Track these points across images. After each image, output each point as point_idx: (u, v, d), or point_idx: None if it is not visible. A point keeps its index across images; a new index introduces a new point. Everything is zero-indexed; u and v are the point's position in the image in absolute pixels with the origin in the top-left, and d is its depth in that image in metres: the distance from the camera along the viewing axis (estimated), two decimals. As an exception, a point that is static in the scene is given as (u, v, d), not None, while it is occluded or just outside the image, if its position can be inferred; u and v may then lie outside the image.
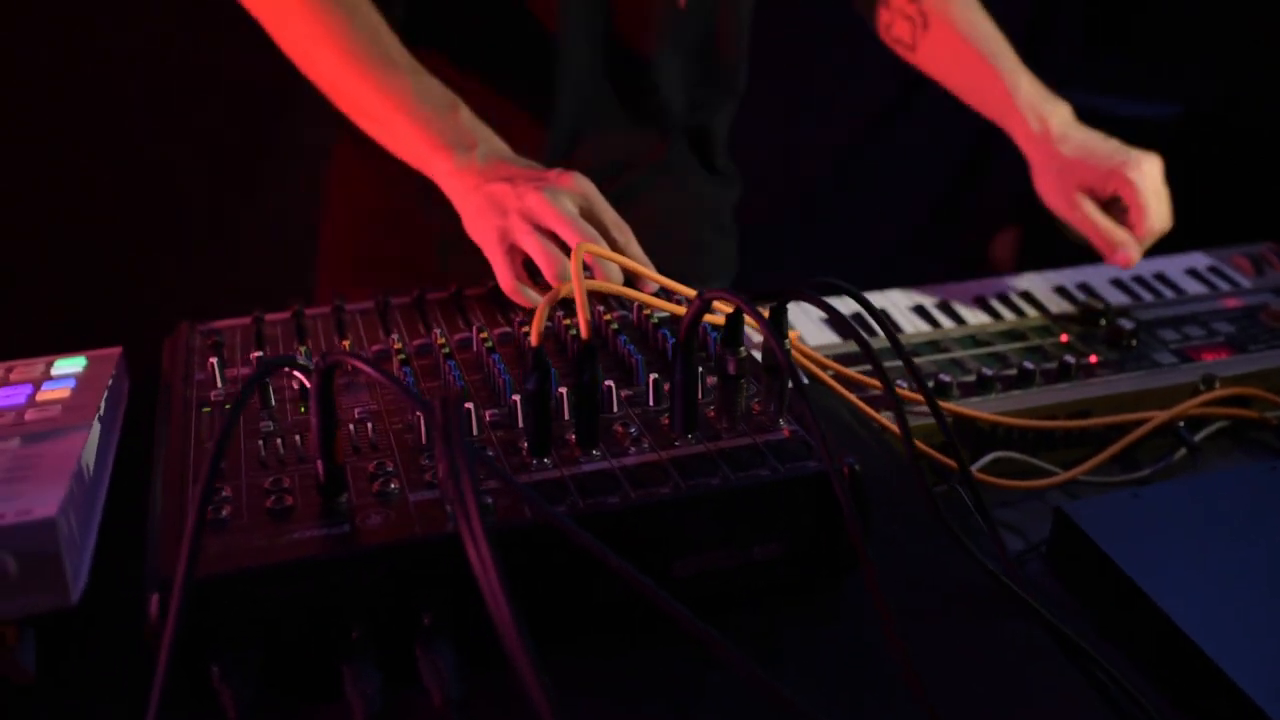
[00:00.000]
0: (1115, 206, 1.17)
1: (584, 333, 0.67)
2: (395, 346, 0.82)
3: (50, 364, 0.85)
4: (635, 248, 0.93)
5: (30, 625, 0.64)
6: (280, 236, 2.13)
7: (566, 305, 0.89)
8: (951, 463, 0.90)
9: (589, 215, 0.93)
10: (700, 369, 0.72)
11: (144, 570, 0.61)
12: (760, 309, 0.65)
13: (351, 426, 0.72)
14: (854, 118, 2.61)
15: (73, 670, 0.66)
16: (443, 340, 0.82)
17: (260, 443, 0.71)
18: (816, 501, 0.68)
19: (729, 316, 0.69)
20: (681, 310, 0.84)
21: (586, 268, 0.89)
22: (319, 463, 0.64)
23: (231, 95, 2.10)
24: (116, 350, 0.89)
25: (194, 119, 2.13)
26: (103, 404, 0.78)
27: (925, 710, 0.58)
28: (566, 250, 0.90)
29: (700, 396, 0.73)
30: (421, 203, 1.11)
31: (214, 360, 0.80)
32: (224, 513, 0.64)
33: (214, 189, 2.19)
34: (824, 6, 1.67)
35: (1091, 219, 1.16)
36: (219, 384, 0.79)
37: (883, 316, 0.71)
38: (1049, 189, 1.21)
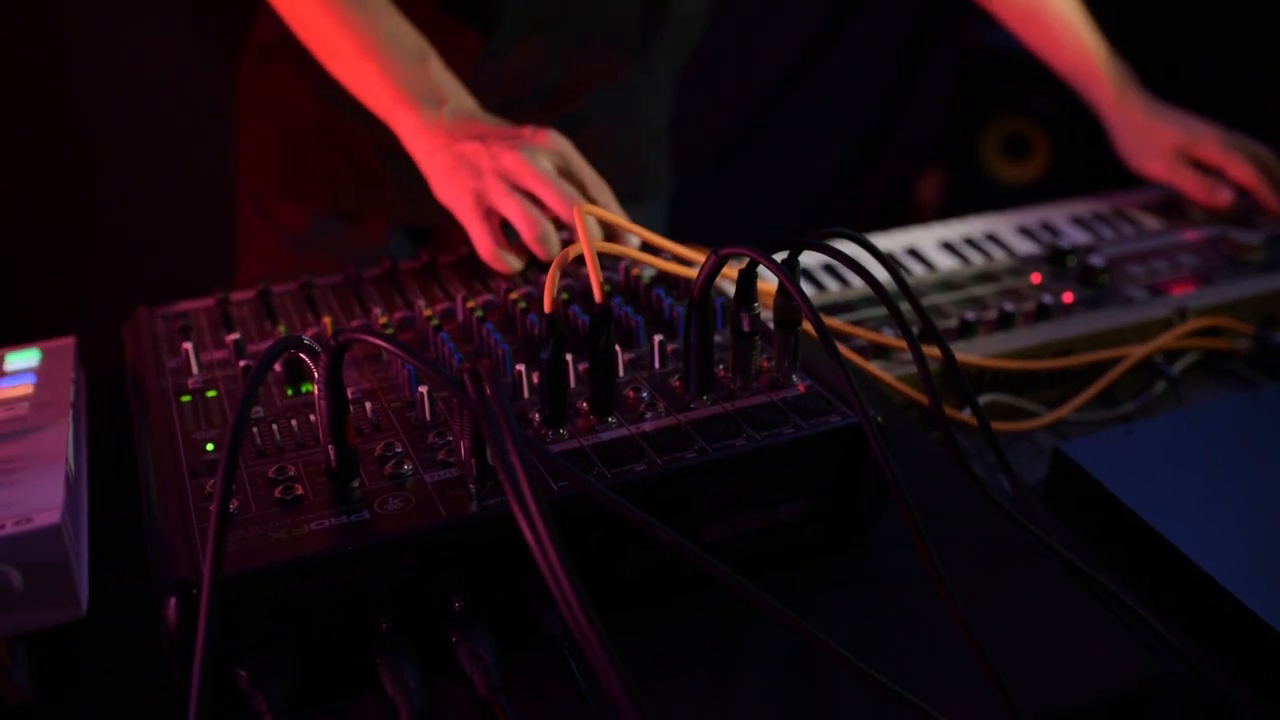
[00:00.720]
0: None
1: (598, 295, 0.64)
2: (380, 321, 0.78)
3: (1, 359, 0.80)
4: (615, 207, 0.91)
5: (22, 641, 0.60)
6: (193, 217, 2.06)
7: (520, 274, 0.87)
8: (958, 414, 0.90)
9: (566, 174, 0.90)
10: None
11: (152, 574, 0.57)
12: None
13: (350, 408, 0.68)
14: (770, 66, 2.60)
15: (76, 685, 0.62)
16: (429, 312, 0.79)
17: (254, 430, 0.67)
18: (842, 457, 0.67)
19: (742, 272, 0.67)
20: (685, 271, 0.81)
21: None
22: (330, 448, 0.61)
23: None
24: (70, 340, 0.84)
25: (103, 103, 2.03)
26: (71, 393, 0.73)
27: (978, 657, 0.57)
28: (545, 212, 0.87)
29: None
30: (352, 111, 1.04)
31: (188, 346, 0.75)
32: (231, 506, 0.60)
33: (119, 175, 2.09)
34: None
35: (1193, 177, 1.23)
36: (195, 370, 0.75)
37: (893, 264, 0.70)
38: (1136, 151, 1.28)
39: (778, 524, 0.67)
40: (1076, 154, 2.36)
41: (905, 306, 1.00)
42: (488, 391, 0.51)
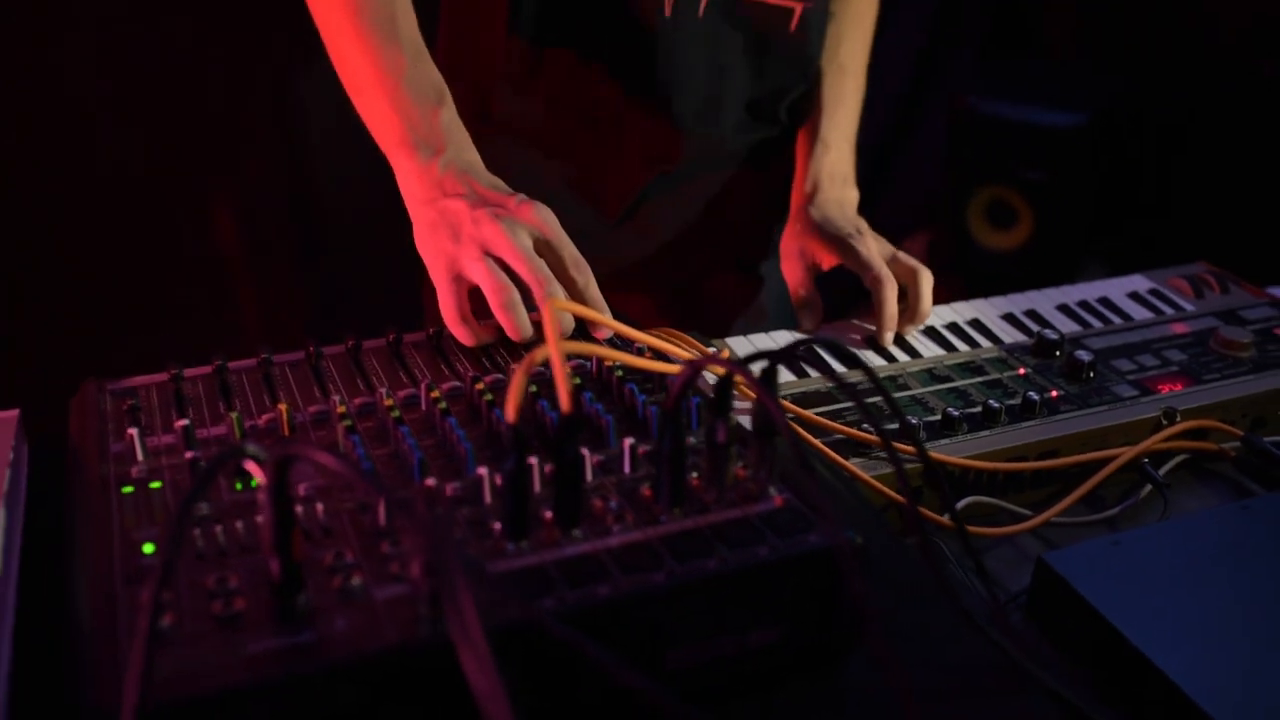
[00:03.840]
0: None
1: (565, 405, 0.60)
2: (338, 410, 0.74)
3: (-62, 433, 0.76)
4: (594, 289, 0.89)
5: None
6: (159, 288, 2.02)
7: (491, 360, 0.83)
8: (929, 512, 0.87)
9: (545, 250, 0.88)
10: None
11: (72, 699, 0.53)
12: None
13: (300, 508, 0.65)
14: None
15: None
16: (390, 401, 0.75)
17: (197, 531, 0.63)
18: (819, 579, 0.63)
19: (719, 382, 0.64)
20: (659, 368, 0.78)
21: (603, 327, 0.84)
22: (273, 562, 0.57)
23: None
24: (13, 413, 0.80)
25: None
26: (6, 480, 0.69)
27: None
28: (519, 285, 0.85)
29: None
30: None
31: (134, 431, 0.71)
32: (165, 622, 0.56)
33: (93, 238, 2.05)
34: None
35: (797, 276, 1.19)
36: (140, 457, 0.71)
37: (872, 372, 0.67)
38: (784, 242, 1.24)
39: (748, 649, 0.63)
40: (1059, 225, 2.37)
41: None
42: (427, 520, 0.48)
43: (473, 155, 0.98)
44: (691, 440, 0.71)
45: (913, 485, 0.88)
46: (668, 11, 1.19)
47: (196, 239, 2.08)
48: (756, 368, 0.63)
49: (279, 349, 0.84)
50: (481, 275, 0.86)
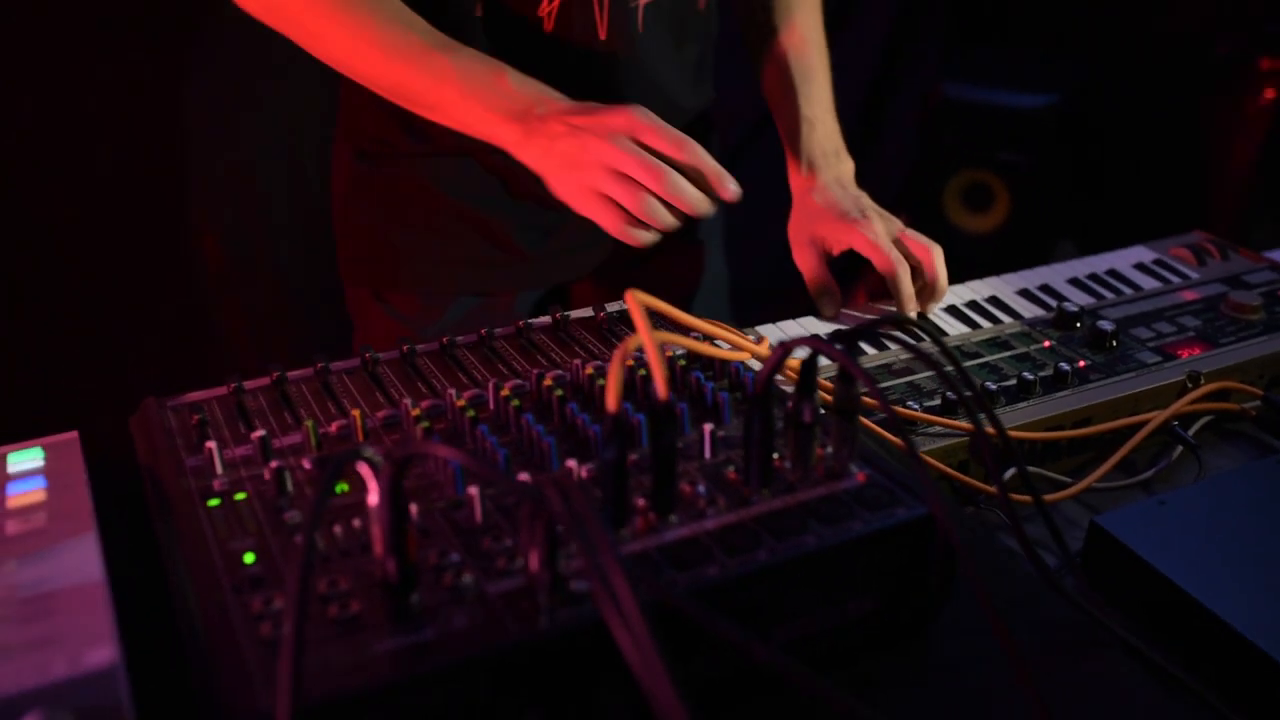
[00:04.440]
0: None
1: (662, 393, 0.61)
2: (411, 413, 0.75)
3: (2, 459, 0.75)
4: (705, 158, 0.98)
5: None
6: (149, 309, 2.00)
7: (537, 351, 0.84)
8: (977, 481, 0.89)
9: (645, 145, 0.97)
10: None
11: (204, 701, 0.54)
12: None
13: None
14: (732, 120, 2.61)
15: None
16: (461, 402, 0.76)
17: (298, 538, 0.64)
18: (910, 550, 0.65)
19: (804, 363, 0.65)
20: (724, 354, 0.79)
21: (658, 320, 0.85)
22: (389, 563, 0.57)
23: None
24: (73, 435, 0.79)
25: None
26: (91, 503, 0.69)
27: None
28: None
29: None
30: (476, 198, 1.22)
31: (212, 445, 0.71)
32: (286, 629, 0.56)
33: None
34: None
35: (810, 264, 1.20)
36: (219, 470, 0.71)
37: (940, 340, 0.68)
38: (792, 231, 1.25)
39: (846, 620, 0.65)
40: (1034, 206, 2.41)
41: (922, 374, 0.99)
42: (578, 505, 0.49)
43: (552, 93, 1.04)
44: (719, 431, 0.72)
45: (959, 459, 0.90)
46: (602, 35, 1.19)
47: (178, 259, 2.06)
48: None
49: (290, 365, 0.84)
50: (618, 189, 0.97)
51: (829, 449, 0.69)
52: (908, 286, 1.11)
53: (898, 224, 1.17)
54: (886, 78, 2.51)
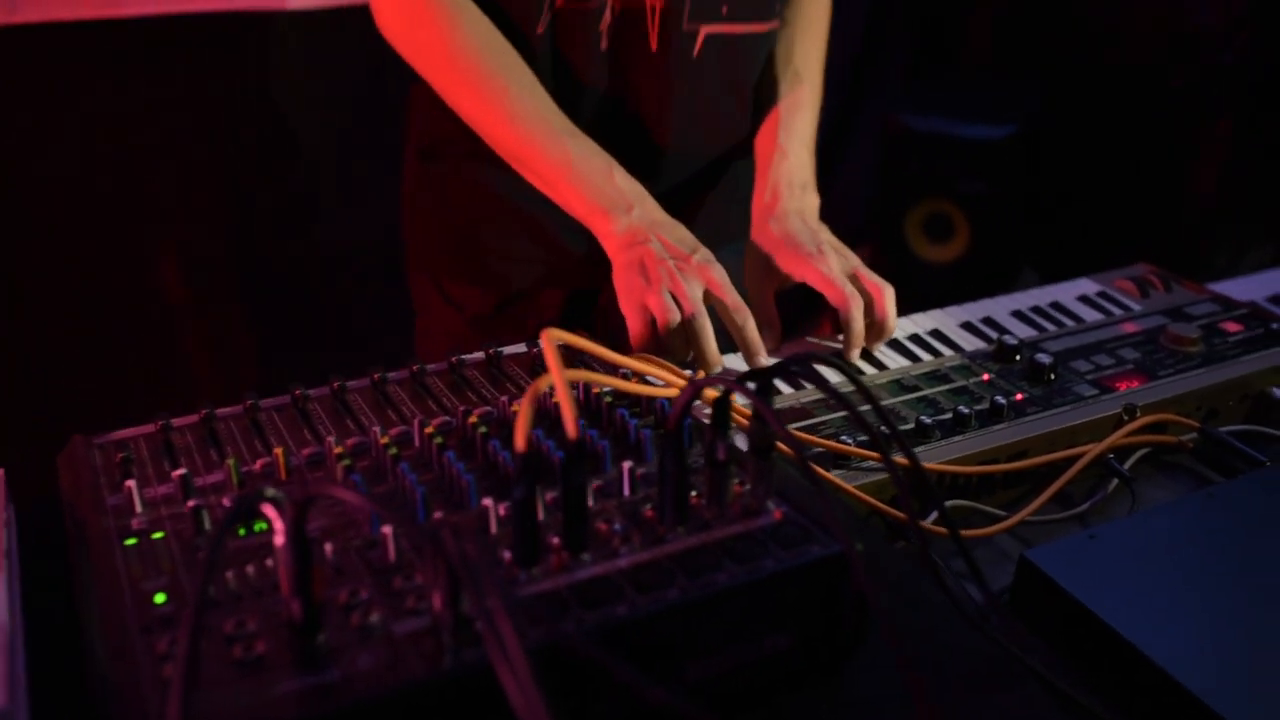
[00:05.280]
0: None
1: (571, 432, 0.62)
2: (334, 451, 0.75)
3: (-76, 497, 0.75)
4: (750, 331, 1.08)
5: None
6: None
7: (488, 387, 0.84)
8: (902, 516, 0.89)
9: (711, 299, 1.08)
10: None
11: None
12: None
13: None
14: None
15: None
16: (385, 439, 0.76)
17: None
18: (824, 586, 0.65)
19: (717, 401, 0.65)
20: (644, 390, 0.80)
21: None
22: (294, 603, 0.57)
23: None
24: (-1, 472, 0.79)
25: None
26: (4, 539, 0.69)
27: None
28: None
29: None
30: (528, 198, 1.25)
31: (131, 483, 0.71)
32: (173, 669, 0.56)
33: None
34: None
35: (758, 294, 1.23)
36: (138, 509, 0.71)
37: (865, 386, 0.69)
38: (747, 257, 1.27)
39: (761, 657, 0.65)
40: (995, 235, 2.43)
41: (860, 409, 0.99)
42: (467, 553, 0.49)
43: (654, 205, 1.16)
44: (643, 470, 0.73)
45: (891, 494, 0.91)
46: (654, 46, 1.25)
47: (138, 291, 2.06)
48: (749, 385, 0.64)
49: (220, 401, 0.84)
50: (658, 305, 1.05)
51: (748, 486, 0.69)
52: (858, 324, 1.11)
53: (855, 260, 1.18)
54: (850, 109, 2.53)
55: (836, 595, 0.66)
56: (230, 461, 0.74)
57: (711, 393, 0.69)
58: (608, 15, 1.23)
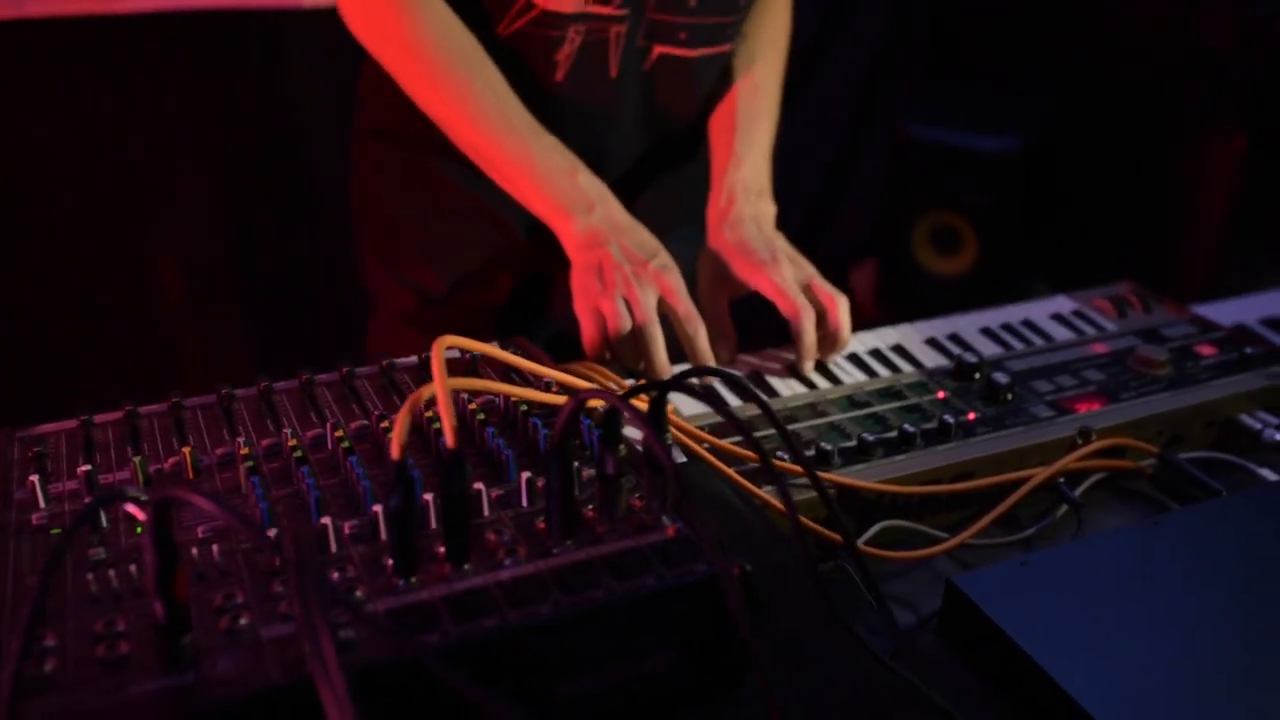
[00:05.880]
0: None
1: (450, 440, 0.61)
2: (242, 451, 0.75)
3: None
4: (701, 341, 1.07)
5: None
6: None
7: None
8: (837, 537, 0.87)
9: (666, 307, 1.08)
10: (576, 462, 0.67)
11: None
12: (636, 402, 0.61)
13: (195, 550, 0.65)
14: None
15: None
16: (294, 441, 0.76)
17: (90, 575, 0.64)
18: (708, 606, 0.64)
19: (605, 414, 0.65)
20: (554, 399, 0.79)
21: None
22: (158, 603, 0.57)
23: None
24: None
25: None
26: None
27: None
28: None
29: (578, 492, 0.68)
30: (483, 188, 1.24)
31: (34, 478, 0.71)
32: (47, 667, 0.56)
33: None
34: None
35: (712, 304, 1.23)
36: (42, 504, 0.71)
37: (758, 395, 0.68)
38: (700, 264, 1.25)
39: (641, 676, 0.64)
40: (1003, 248, 2.40)
41: (803, 423, 0.98)
42: (301, 560, 0.48)
43: (617, 207, 1.15)
44: (589, 473, 0.72)
45: (822, 514, 0.89)
46: (613, 73, 1.23)
47: (129, 285, 2.08)
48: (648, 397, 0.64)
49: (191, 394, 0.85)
50: (610, 311, 1.05)
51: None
52: (810, 335, 1.10)
53: (809, 270, 1.17)
54: (862, 122, 2.51)
55: (725, 618, 0.65)
56: (138, 459, 0.74)
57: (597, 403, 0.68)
58: (566, 47, 1.21)
